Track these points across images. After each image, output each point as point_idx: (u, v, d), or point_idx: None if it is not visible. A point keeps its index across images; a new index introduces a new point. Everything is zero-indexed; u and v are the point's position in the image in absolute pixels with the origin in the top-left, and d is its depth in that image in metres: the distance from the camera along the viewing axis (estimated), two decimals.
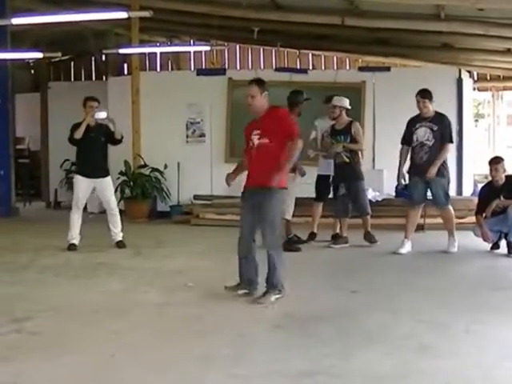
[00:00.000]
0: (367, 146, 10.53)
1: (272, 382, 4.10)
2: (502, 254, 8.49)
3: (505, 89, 15.20)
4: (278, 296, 5.97)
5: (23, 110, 15.55)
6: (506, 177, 8.60)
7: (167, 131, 12.26)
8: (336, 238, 9.24)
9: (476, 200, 9.14)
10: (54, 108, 14.56)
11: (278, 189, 5.99)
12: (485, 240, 8.65)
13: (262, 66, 15.42)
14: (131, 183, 12.11)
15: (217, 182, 12.11)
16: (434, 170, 8.41)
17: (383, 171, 11.43)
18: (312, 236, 9.42)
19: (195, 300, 6.12)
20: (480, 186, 9.21)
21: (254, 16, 11.65)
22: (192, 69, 15.59)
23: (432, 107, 8.60)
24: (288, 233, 8.74)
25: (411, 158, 8.72)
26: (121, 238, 9.01)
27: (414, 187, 8.74)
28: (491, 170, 8.61)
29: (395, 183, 11.09)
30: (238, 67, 15.77)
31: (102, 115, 8.99)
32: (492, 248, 8.70)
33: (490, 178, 8.89)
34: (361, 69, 12.88)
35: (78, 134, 8.73)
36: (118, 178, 11.75)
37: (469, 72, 12.98)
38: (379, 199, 10.93)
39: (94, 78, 16.61)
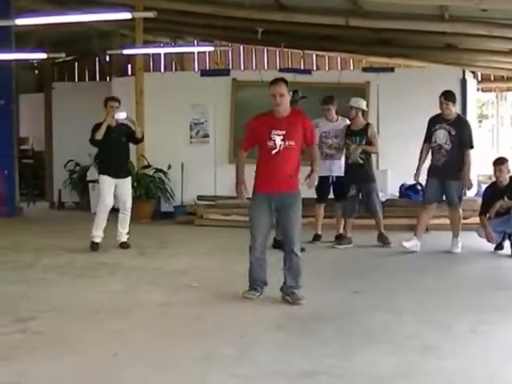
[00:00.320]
0: None
1: (273, 381, 4.09)
2: (505, 255, 8.48)
3: (509, 89, 15.15)
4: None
5: (27, 111, 15.58)
6: (510, 178, 8.58)
7: (171, 132, 12.27)
8: (340, 239, 9.24)
9: (480, 201, 9.13)
10: (58, 108, 14.59)
11: (300, 192, 6.08)
12: (488, 241, 8.63)
13: (266, 67, 15.42)
14: (135, 184, 12.09)
15: (220, 183, 12.13)
16: (470, 182, 8.66)
17: (387, 171, 11.43)
18: (317, 237, 9.42)
19: (197, 300, 6.12)
20: (484, 186, 9.19)
21: (258, 16, 11.65)
22: (196, 69, 15.60)
23: (454, 110, 8.63)
24: None
25: (430, 158, 8.75)
26: (125, 240, 9.03)
27: (430, 187, 8.80)
28: (495, 170, 8.61)
29: (399, 183, 11.16)
30: (242, 68, 15.76)
31: (122, 115, 8.97)
32: (496, 249, 8.69)
33: (494, 179, 8.88)
34: (365, 69, 12.87)
35: (99, 135, 8.73)
36: None
37: (473, 73, 12.98)
38: (383, 200, 10.91)
39: (97, 79, 16.62)
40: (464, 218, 8.99)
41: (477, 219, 8.94)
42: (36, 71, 16.93)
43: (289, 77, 12.31)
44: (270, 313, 5.67)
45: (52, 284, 6.89)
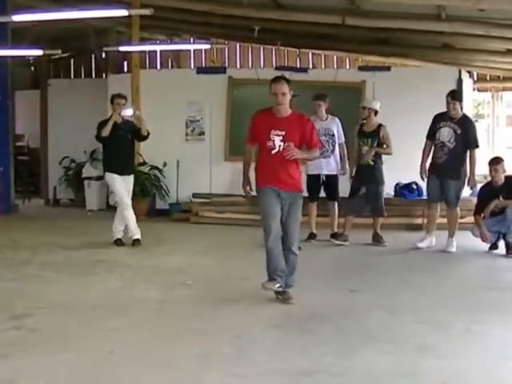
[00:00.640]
0: None
1: (272, 380, 4.10)
2: (500, 255, 8.50)
3: (504, 89, 15.16)
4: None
5: (23, 107, 15.53)
6: (506, 177, 8.61)
7: (167, 129, 12.23)
8: (337, 235, 9.27)
9: (475, 200, 9.15)
10: (54, 105, 14.55)
11: (302, 192, 6.09)
12: (483, 240, 8.65)
13: (263, 65, 15.38)
14: None
15: (216, 181, 12.13)
16: (474, 180, 8.72)
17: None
18: (312, 236, 9.42)
19: (195, 298, 6.11)
20: (479, 186, 9.23)
21: (255, 15, 11.63)
22: (192, 67, 15.55)
23: (460, 109, 8.63)
24: None
25: (432, 156, 8.78)
26: (120, 237, 9.01)
27: (430, 186, 8.88)
28: (491, 170, 8.62)
29: (394, 182, 11.17)
30: (238, 66, 15.73)
31: (128, 112, 8.94)
32: (490, 248, 8.71)
33: (489, 179, 8.90)
34: (361, 68, 12.87)
35: (106, 132, 8.70)
36: None
37: (469, 72, 12.98)
38: None
39: (93, 76, 16.58)
40: (459, 218, 9.02)
41: (472, 219, 8.96)
42: (32, 68, 16.87)
43: (285, 75, 12.40)
44: (267, 312, 5.67)
45: (48, 281, 6.88)
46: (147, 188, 12.10)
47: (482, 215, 8.65)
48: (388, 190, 11.16)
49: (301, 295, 5.99)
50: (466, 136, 8.55)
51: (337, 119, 9.42)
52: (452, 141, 8.55)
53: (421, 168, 8.87)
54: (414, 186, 11.14)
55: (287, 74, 12.19)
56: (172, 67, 16.00)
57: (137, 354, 4.53)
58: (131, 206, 8.96)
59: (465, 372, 4.26)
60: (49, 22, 10.51)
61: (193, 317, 5.48)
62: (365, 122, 9.27)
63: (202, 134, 12.49)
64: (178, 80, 12.49)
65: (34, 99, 15.09)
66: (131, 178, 9.14)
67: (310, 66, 14.92)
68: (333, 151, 9.33)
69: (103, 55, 15.53)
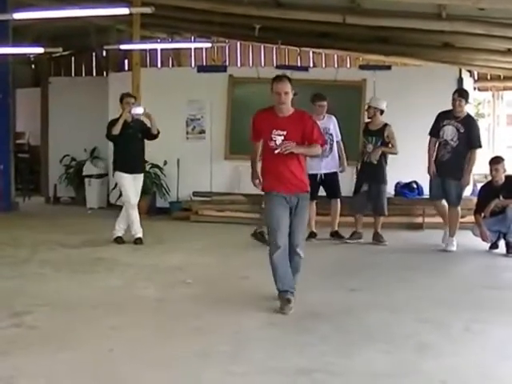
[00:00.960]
0: None
1: (270, 379, 4.10)
2: (500, 254, 8.51)
3: (505, 89, 15.16)
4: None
5: (24, 105, 15.52)
6: (506, 177, 8.61)
7: (167, 127, 12.11)
8: (351, 234, 9.36)
9: (475, 199, 9.15)
10: (55, 103, 14.54)
11: (308, 192, 6.01)
12: (483, 240, 8.66)
13: (263, 64, 15.39)
14: None
15: (216, 179, 12.13)
16: (468, 179, 8.70)
17: None
18: (312, 235, 9.41)
19: (194, 296, 6.12)
20: (479, 185, 9.22)
21: (256, 13, 11.63)
22: (193, 65, 15.55)
23: (466, 108, 8.64)
24: None
25: (435, 153, 8.79)
26: (120, 235, 9.02)
27: (433, 185, 8.90)
28: (491, 169, 8.62)
29: (395, 181, 11.17)
30: (239, 64, 15.74)
31: (138, 110, 8.93)
32: (491, 248, 8.71)
33: (489, 178, 8.91)
34: (361, 67, 12.86)
35: (116, 130, 8.70)
36: None
37: (469, 71, 12.98)
38: None
39: (94, 74, 16.58)
40: (460, 217, 9.02)
41: (472, 218, 8.96)
42: (33, 66, 16.87)
43: (286, 74, 12.41)
44: (266, 310, 5.66)
45: (48, 279, 6.89)
46: (147, 186, 12.09)
47: (483, 214, 8.65)
48: (388, 189, 11.18)
49: (300, 294, 5.98)
50: (469, 135, 8.55)
51: (333, 117, 9.42)
52: (455, 139, 8.55)
53: (429, 165, 8.84)
54: (415, 185, 11.15)
55: (288, 73, 12.27)
56: (173, 65, 15.98)
57: (136, 352, 4.54)
58: (137, 206, 8.96)
59: (464, 371, 4.27)
60: (50, 20, 10.53)
61: (192, 315, 5.49)
62: (370, 120, 9.29)
63: (203, 132, 12.48)
64: (178, 78, 12.48)
65: (35, 97, 15.08)
66: (141, 176, 9.13)
67: (311, 65, 14.92)
68: (331, 149, 9.34)
69: (104, 53, 15.51)
